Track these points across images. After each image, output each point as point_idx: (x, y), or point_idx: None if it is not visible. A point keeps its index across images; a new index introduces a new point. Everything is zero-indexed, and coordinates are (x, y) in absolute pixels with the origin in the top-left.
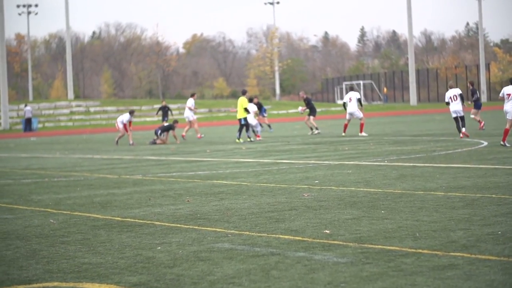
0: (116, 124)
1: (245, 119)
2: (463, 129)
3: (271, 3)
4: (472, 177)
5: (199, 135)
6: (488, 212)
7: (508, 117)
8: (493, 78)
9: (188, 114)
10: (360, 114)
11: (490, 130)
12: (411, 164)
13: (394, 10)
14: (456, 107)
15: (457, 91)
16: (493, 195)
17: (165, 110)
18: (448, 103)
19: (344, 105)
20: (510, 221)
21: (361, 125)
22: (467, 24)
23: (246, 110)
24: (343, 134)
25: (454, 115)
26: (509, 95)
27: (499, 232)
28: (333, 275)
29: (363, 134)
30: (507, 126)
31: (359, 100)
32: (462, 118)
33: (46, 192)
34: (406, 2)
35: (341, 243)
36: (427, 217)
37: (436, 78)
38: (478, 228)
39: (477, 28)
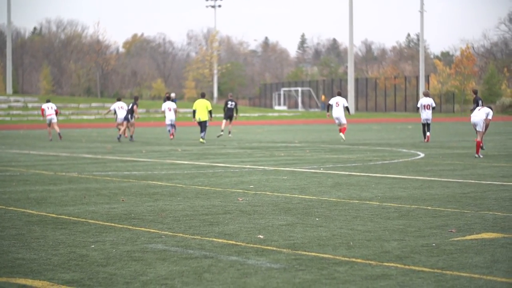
0: (49, 115)
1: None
2: (428, 133)
3: (213, 7)
4: (408, 188)
5: (126, 135)
6: (423, 223)
7: (478, 128)
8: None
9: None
10: (345, 120)
11: (427, 142)
12: (347, 173)
13: (335, 18)
14: (427, 115)
15: (431, 101)
16: (429, 207)
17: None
18: (418, 109)
19: (329, 107)
20: (444, 233)
21: (344, 129)
22: (408, 35)
23: (210, 112)
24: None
25: (423, 122)
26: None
27: (434, 244)
28: (265, 280)
29: (342, 135)
30: (478, 138)
31: (347, 108)
32: (428, 124)
33: None
34: (348, 10)
35: (274, 248)
36: (361, 226)
37: (375, 88)
38: (413, 239)
39: (418, 40)
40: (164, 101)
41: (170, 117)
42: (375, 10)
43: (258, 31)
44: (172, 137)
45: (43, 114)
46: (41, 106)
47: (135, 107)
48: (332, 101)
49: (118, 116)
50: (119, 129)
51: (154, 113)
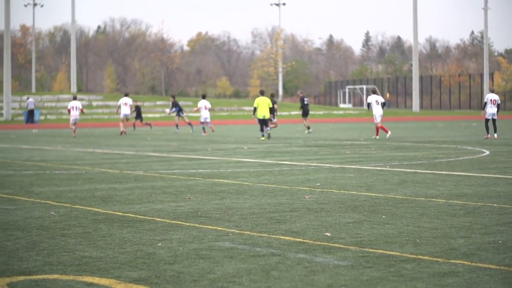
0: (74, 115)
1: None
2: (495, 135)
3: (277, 4)
4: (473, 186)
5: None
6: (489, 221)
7: None
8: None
9: (128, 112)
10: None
11: (492, 139)
12: (413, 170)
13: (399, 16)
14: (492, 110)
15: (496, 97)
16: (495, 204)
17: (138, 109)
18: (485, 104)
19: (369, 106)
20: (511, 230)
21: (383, 127)
22: (472, 32)
23: (271, 110)
24: (377, 137)
25: (489, 117)
26: None
27: (500, 241)
28: (333, 278)
29: (388, 134)
30: None
31: (383, 105)
32: (494, 121)
33: (47, 184)
34: (412, 8)
35: (341, 246)
36: (428, 224)
37: (439, 86)
38: (479, 237)
39: (482, 37)
40: (172, 104)
41: (205, 115)
42: (439, 8)
43: (322, 29)
44: (205, 133)
45: (69, 113)
46: (68, 105)
47: (275, 105)
48: (372, 98)
49: (122, 112)
50: (121, 126)
51: (219, 111)
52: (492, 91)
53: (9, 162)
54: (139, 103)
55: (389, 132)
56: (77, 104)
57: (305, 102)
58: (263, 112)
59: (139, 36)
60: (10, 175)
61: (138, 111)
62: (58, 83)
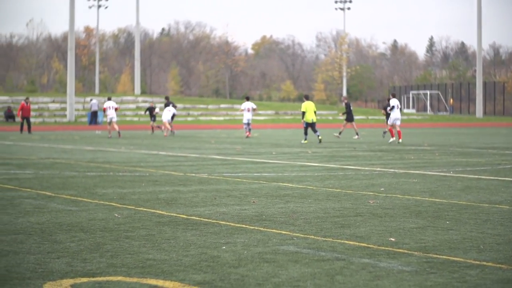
0: (110, 114)
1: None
2: None
3: (342, 9)
4: None
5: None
6: None
7: None
8: None
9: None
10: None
11: None
12: (477, 176)
13: (463, 21)
14: None
15: None
16: None
17: (151, 110)
18: None
19: (392, 109)
20: None
21: (400, 132)
22: None
23: (315, 113)
24: (396, 139)
25: None
26: None
27: None
28: (397, 283)
29: (400, 140)
30: None
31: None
32: None
33: (110, 186)
34: (476, 14)
35: (406, 251)
36: (491, 230)
37: (503, 92)
38: None
39: None
40: (165, 106)
41: (247, 116)
42: (503, 14)
43: (387, 34)
44: (249, 135)
45: (104, 112)
46: (104, 106)
47: (388, 109)
48: (394, 102)
49: (163, 116)
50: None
51: (283, 115)
52: None
53: (72, 164)
54: (153, 105)
55: (394, 138)
56: (112, 104)
57: (351, 108)
58: (311, 116)
59: (203, 39)
60: (73, 176)
61: (150, 112)
62: (122, 84)
